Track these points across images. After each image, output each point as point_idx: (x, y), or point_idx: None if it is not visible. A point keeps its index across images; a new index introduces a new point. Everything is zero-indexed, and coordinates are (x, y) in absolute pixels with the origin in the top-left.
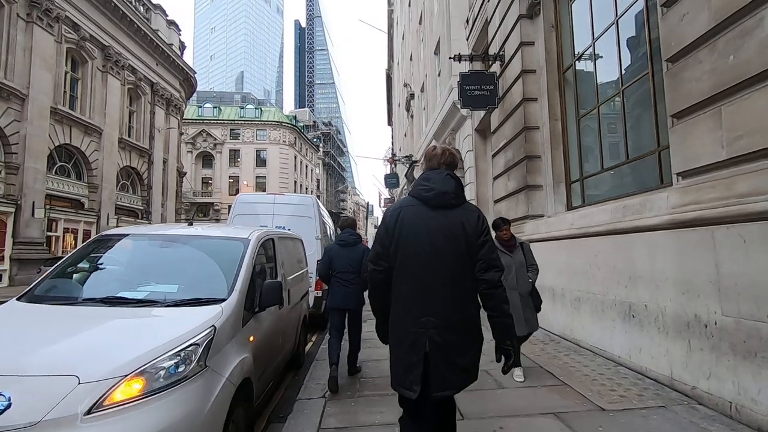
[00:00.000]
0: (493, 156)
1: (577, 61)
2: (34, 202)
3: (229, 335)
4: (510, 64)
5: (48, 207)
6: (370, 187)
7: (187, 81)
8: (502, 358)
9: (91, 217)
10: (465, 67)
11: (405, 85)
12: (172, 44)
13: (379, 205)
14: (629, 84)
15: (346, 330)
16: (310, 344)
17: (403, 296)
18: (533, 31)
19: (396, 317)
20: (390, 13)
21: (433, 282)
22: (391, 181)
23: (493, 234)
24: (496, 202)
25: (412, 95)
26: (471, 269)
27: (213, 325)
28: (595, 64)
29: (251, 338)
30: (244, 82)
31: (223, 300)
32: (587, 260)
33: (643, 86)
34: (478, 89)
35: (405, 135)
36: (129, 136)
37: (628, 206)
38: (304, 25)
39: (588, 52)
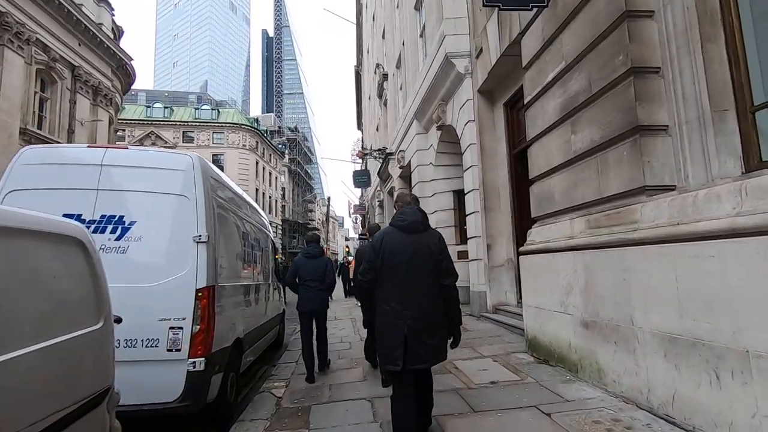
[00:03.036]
0: (530, 105)
1: None
2: None
3: None
4: None
5: None
6: (340, 196)
7: (122, 69)
8: (452, 338)
9: None
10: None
11: (377, 66)
12: (101, 24)
13: (349, 214)
14: None
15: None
16: None
17: (388, 297)
18: None
19: (383, 313)
20: None
21: (410, 286)
22: (361, 179)
23: None
24: (536, 180)
25: (385, 76)
26: (436, 276)
27: None
28: None
29: None
30: (209, 90)
31: None
32: None
33: None
34: None
35: (377, 129)
36: (39, 127)
37: None
38: (271, 34)
39: None
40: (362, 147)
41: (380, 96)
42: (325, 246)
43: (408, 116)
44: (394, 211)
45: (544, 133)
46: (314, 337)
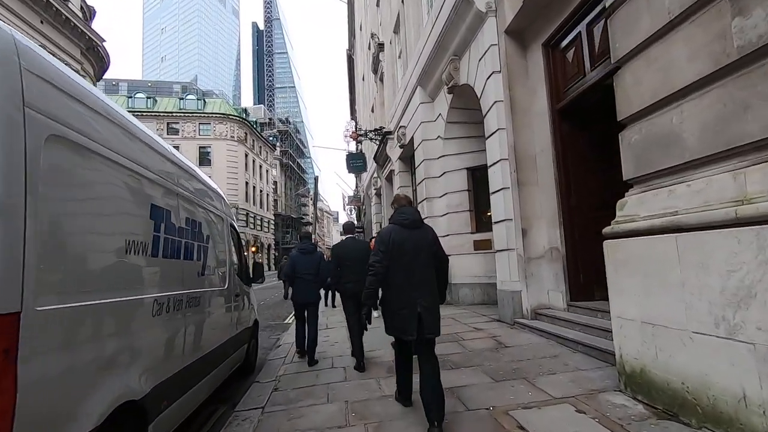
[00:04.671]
0: (618, 5)
1: None
2: None
3: None
4: None
5: None
6: (333, 188)
7: (94, 52)
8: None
9: None
10: None
11: (372, 36)
12: (67, 1)
13: (343, 207)
14: None
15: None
16: None
17: (397, 282)
18: None
19: (394, 296)
20: None
21: (416, 272)
22: (356, 163)
23: None
24: (636, 120)
25: (380, 46)
26: (433, 262)
27: None
28: None
29: None
30: (199, 85)
31: None
32: None
33: None
34: None
35: (372, 110)
36: None
37: None
38: (262, 27)
39: None
40: (356, 128)
41: (375, 71)
42: (314, 237)
43: (410, 84)
44: (392, 210)
45: (657, 38)
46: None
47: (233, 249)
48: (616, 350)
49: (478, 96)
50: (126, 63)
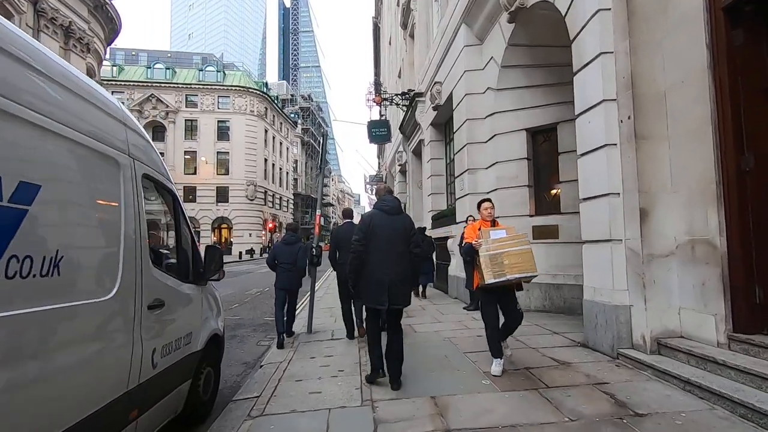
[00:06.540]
0: None
1: None
2: None
3: None
4: None
5: None
6: (355, 168)
7: (102, 11)
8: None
9: None
10: None
11: None
12: None
13: (365, 188)
14: None
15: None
16: None
17: (374, 261)
18: None
19: (371, 272)
20: None
21: (389, 253)
22: (379, 132)
23: None
24: None
25: None
26: (408, 246)
27: None
28: None
29: None
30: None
31: None
32: None
33: None
34: None
35: (399, 74)
36: None
37: None
38: (288, 5)
39: None
40: (380, 91)
41: (405, 25)
42: (334, 218)
43: (449, 27)
44: (377, 199)
45: None
46: (285, 309)
47: (144, 222)
48: None
49: (563, 12)
50: (154, 40)
